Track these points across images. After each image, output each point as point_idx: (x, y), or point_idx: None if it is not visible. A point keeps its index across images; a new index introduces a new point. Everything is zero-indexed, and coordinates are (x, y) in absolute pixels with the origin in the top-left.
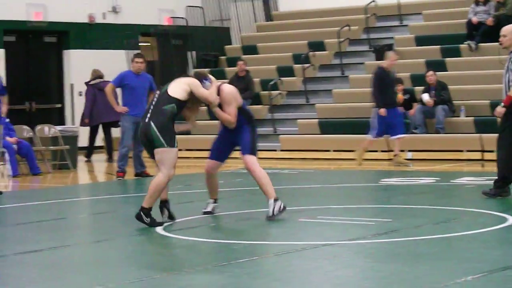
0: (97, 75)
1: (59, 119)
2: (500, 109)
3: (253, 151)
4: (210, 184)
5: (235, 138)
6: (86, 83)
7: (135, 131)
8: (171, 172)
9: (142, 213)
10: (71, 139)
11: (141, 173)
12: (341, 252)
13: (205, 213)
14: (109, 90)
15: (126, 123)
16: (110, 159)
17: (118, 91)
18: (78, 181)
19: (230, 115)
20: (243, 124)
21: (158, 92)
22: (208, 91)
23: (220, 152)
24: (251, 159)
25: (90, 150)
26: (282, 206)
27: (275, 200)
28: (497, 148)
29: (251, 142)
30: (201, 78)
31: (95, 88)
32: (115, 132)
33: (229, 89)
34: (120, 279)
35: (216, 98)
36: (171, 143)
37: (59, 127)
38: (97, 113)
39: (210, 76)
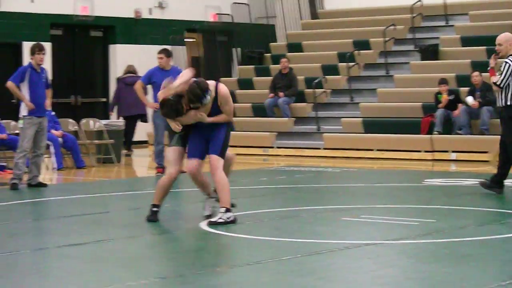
0: (127, 70)
1: (104, 113)
2: None
3: (222, 154)
4: (198, 183)
5: (209, 133)
6: (117, 78)
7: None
8: (170, 171)
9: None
10: (116, 133)
11: None
12: (384, 252)
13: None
14: (138, 87)
15: (158, 120)
16: (127, 152)
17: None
18: (121, 175)
19: (227, 113)
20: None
21: None
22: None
23: (198, 149)
24: (218, 161)
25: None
26: (231, 218)
27: (227, 210)
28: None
29: (223, 145)
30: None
31: (122, 83)
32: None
33: (225, 89)
34: (163, 274)
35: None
36: (170, 143)
37: (104, 121)
38: (123, 106)
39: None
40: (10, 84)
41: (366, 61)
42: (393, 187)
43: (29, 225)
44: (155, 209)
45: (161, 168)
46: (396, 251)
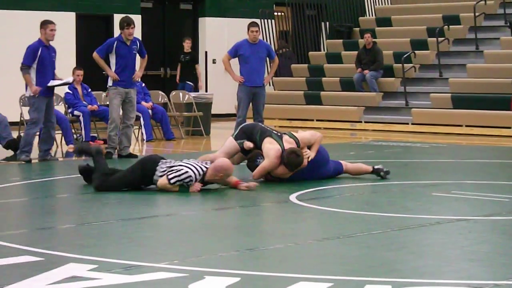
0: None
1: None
2: None
3: None
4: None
5: None
6: None
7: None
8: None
9: None
10: (205, 105)
11: None
12: (475, 228)
13: None
14: (225, 59)
15: (241, 93)
16: None
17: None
18: (210, 147)
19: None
20: None
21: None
22: None
23: None
24: None
25: None
26: None
27: None
28: None
29: None
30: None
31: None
32: None
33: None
34: (253, 245)
35: None
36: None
37: (193, 94)
38: None
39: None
40: (94, 55)
41: (455, 36)
42: (483, 163)
43: (120, 195)
44: None
45: None
46: (487, 227)
